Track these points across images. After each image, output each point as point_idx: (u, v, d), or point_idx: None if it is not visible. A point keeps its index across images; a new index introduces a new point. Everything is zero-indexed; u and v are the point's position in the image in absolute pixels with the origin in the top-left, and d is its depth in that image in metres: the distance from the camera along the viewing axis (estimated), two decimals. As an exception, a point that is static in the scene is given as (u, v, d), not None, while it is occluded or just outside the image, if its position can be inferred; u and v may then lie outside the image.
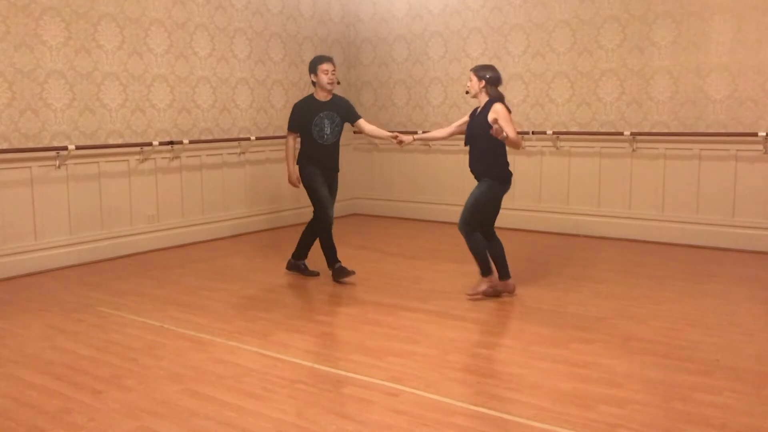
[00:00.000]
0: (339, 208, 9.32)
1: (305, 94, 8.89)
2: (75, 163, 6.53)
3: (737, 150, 6.84)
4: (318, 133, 5.74)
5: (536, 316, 4.88)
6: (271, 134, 8.46)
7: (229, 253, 7.11)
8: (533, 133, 7.98)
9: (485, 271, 5.25)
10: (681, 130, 7.13)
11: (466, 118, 5.42)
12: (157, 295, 5.52)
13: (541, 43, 7.90)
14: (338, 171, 5.95)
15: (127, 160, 6.97)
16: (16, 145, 6.12)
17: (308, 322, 4.79)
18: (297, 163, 5.86)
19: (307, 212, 8.92)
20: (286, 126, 8.72)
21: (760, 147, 6.69)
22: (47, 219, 6.36)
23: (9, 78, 6.05)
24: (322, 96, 5.78)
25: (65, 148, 6.36)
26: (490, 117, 4.90)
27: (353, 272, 5.79)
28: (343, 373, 3.86)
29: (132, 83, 6.96)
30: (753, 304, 5.10)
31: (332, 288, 5.71)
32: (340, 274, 5.77)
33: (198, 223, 7.68)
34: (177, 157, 7.43)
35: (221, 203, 7.94)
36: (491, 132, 4.82)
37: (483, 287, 5.27)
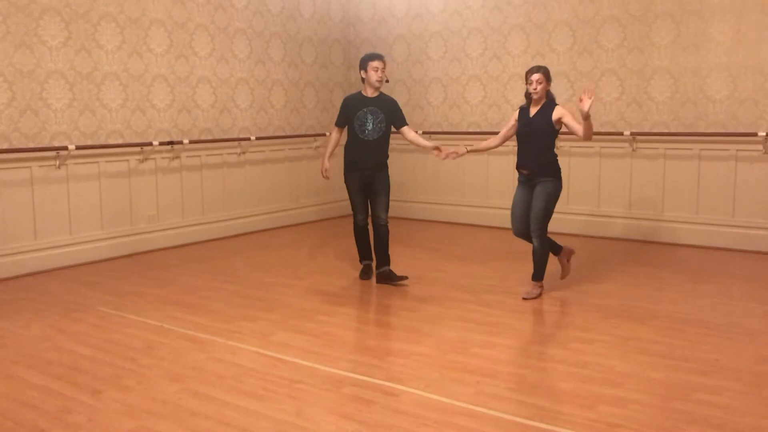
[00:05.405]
0: (339, 207, 9.33)
1: (305, 94, 8.99)
2: (75, 163, 6.53)
3: (737, 150, 6.84)
4: (359, 127, 5.66)
5: (536, 316, 4.89)
6: (271, 134, 8.46)
7: (229, 253, 7.11)
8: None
9: (541, 277, 5.34)
10: (681, 130, 7.13)
11: (512, 122, 5.48)
12: (157, 295, 5.52)
13: (541, 43, 7.90)
14: (384, 168, 5.78)
15: (127, 160, 6.97)
16: (16, 145, 6.12)
17: (308, 322, 4.79)
18: (344, 164, 5.87)
19: (306, 212, 9.01)
20: (285, 126, 8.90)
21: (760, 147, 6.69)
22: (47, 219, 6.36)
23: (9, 78, 6.05)
24: (369, 92, 5.74)
25: (65, 148, 6.36)
26: (555, 117, 5.34)
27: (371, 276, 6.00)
28: (343, 373, 3.86)
29: (132, 83, 6.96)
30: (753, 304, 5.10)
31: (332, 288, 5.71)
32: (367, 274, 6.00)
33: (198, 223, 7.67)
34: (177, 157, 7.43)
35: (221, 203, 7.93)
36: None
37: (537, 291, 5.33)
